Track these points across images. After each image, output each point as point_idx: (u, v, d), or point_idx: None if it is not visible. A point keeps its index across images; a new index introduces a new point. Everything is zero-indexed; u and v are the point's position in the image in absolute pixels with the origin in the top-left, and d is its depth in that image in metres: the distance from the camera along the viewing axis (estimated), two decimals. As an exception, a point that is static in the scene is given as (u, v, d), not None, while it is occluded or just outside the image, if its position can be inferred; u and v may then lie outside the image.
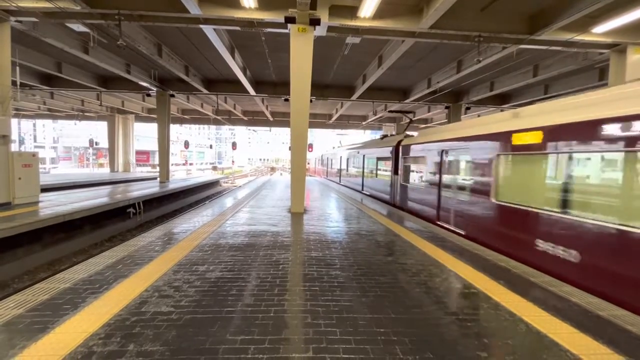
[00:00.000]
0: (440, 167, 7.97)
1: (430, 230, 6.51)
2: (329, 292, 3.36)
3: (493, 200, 5.79)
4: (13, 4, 7.67)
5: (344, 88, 18.56)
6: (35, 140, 59.25)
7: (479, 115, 24.17)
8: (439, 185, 7.98)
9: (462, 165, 7.03)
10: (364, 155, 15.73)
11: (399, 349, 2.36)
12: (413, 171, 9.85)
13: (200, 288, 3.39)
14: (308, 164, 37.67)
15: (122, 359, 2.17)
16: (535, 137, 4.96)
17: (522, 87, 16.06)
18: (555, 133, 4.63)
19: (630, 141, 3.59)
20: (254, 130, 36.66)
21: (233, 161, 69.19)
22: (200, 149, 77.94)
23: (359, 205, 9.96)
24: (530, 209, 4.95)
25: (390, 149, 11.75)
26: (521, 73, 14.23)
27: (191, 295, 3.20)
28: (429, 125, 29.91)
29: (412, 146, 9.97)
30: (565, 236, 4.30)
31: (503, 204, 5.54)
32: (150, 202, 13.07)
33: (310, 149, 38.79)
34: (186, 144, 33.97)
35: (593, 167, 4.12)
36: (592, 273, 3.90)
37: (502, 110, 18.11)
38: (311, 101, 11.15)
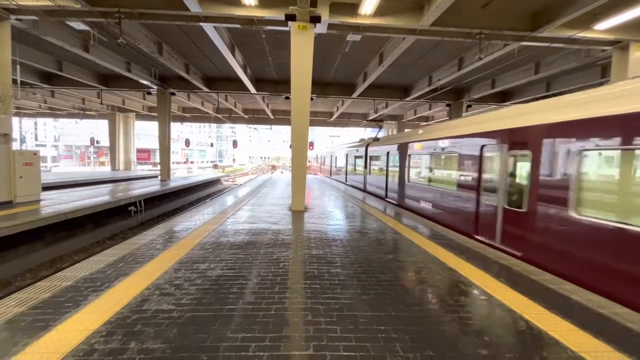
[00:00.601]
0: (387, 163, 12.27)
1: (431, 229, 6.51)
2: (330, 290, 3.37)
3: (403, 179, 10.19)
4: (13, 3, 7.66)
5: (345, 86, 18.51)
6: (36, 139, 59.40)
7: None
8: (387, 174, 12.26)
9: (397, 161, 11.22)
10: (347, 154, 19.85)
11: (399, 347, 2.37)
12: (374, 166, 14.37)
13: (201, 286, 3.40)
14: (309, 162, 37.80)
15: (124, 357, 2.18)
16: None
17: (523, 84, 15.99)
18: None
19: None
20: (254, 128, 36.70)
21: (234, 159, 69.19)
22: (201, 147, 78.02)
23: (359, 204, 9.96)
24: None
25: (364, 149, 15.75)
26: (523, 70, 14.17)
27: (192, 293, 3.21)
28: (429, 123, 29.85)
29: (370, 148, 14.74)
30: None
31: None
32: (152, 200, 13.09)
33: (311, 147, 38.76)
34: (187, 142, 33.94)
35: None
36: None
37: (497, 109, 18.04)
38: (312, 99, 11.09)
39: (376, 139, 15.17)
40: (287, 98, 16.43)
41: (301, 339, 2.45)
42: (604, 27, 8.62)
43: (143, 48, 10.88)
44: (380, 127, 19.08)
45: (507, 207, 5.60)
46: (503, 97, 19.46)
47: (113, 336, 2.42)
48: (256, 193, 12.50)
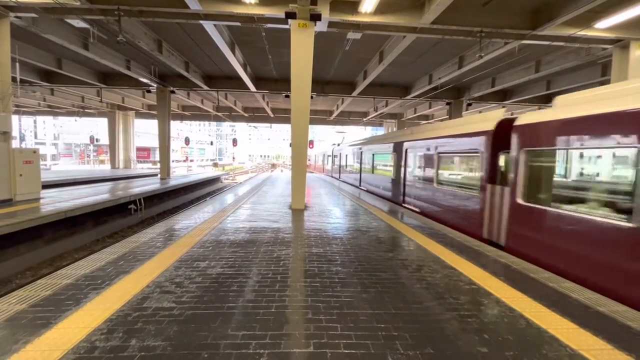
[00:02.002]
0: (356, 161, 16.98)
1: (432, 227, 6.52)
2: (330, 288, 3.37)
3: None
4: (12, 0, 7.64)
5: (345, 84, 18.49)
6: (35, 137, 59.34)
7: (480, 111, 24.12)
8: (359, 169, 16.19)
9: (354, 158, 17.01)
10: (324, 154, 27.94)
11: (399, 345, 2.38)
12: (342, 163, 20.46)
13: (201, 284, 3.41)
14: (309, 160, 37.87)
15: (125, 354, 2.19)
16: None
17: (524, 82, 15.97)
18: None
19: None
20: (254, 126, 36.61)
21: (234, 158, 69.16)
22: (201, 146, 77.94)
23: (359, 202, 9.96)
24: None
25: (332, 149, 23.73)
26: (523, 69, 14.15)
27: (192, 291, 3.21)
28: (429, 121, 29.83)
29: (335, 148, 22.38)
30: None
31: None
32: (151, 198, 13.09)
33: (311, 146, 38.78)
34: (187, 141, 33.91)
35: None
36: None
37: (500, 107, 18.02)
38: (312, 97, 11.11)
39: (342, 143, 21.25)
40: (287, 96, 16.41)
41: (301, 337, 2.45)
42: (604, 25, 8.60)
43: (143, 46, 10.86)
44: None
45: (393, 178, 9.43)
46: (503, 96, 19.44)
47: (114, 334, 2.42)
48: (256, 191, 12.50)
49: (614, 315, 2.87)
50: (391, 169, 11.39)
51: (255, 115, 29.57)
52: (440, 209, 7.71)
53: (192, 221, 6.62)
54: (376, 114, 26.21)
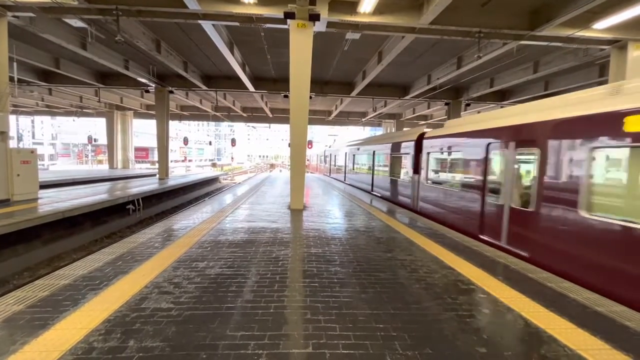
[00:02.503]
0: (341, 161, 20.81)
1: (430, 227, 6.53)
2: (329, 288, 3.37)
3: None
4: (10, -1, 7.61)
5: (344, 84, 18.49)
6: (33, 137, 59.08)
7: (478, 112, 24.16)
8: (344, 168, 19.54)
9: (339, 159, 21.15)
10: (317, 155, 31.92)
11: (398, 345, 2.38)
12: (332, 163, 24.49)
13: (200, 284, 3.40)
14: (308, 160, 38.15)
15: (123, 355, 2.18)
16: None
17: (522, 83, 16.02)
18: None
19: None
20: (253, 126, 36.58)
21: (232, 158, 69.07)
22: (199, 146, 77.81)
23: (358, 202, 9.97)
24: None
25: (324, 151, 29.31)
26: (522, 69, 14.19)
27: (191, 292, 3.21)
28: (428, 121, 29.88)
29: (327, 150, 28.05)
30: None
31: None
32: (150, 198, 13.06)
33: (309, 146, 38.79)
34: (185, 141, 33.85)
35: None
36: None
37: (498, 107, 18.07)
38: (311, 97, 11.11)
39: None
40: (286, 96, 16.39)
41: (300, 337, 2.45)
42: (602, 26, 8.63)
43: (141, 46, 10.83)
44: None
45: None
46: (502, 96, 19.49)
47: (112, 334, 2.41)
48: (255, 191, 12.49)
49: (612, 315, 2.88)
50: (364, 166, 15.79)
51: (253, 115, 29.55)
52: (390, 192, 12.00)
53: (191, 221, 6.61)
54: (375, 114, 26.23)
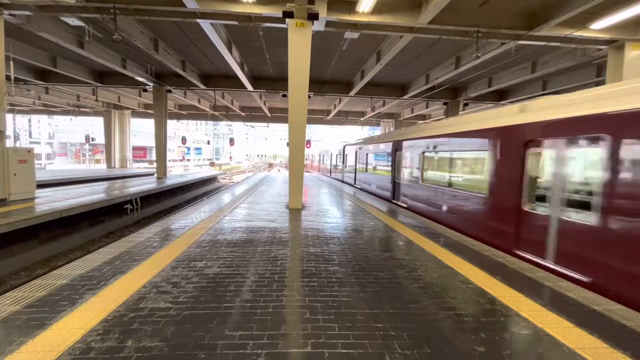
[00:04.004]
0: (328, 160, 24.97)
1: (428, 227, 6.54)
2: (328, 288, 3.37)
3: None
4: (6, -3, 7.55)
5: (342, 84, 18.49)
6: (30, 136, 58.78)
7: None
8: (329, 167, 24.47)
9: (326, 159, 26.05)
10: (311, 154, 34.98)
11: (397, 344, 2.38)
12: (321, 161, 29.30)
13: (198, 284, 3.39)
14: (307, 160, 38.33)
15: (121, 355, 2.17)
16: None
17: (520, 83, 16.07)
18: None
19: None
20: (251, 126, 36.53)
21: (231, 157, 68.98)
22: (197, 145, 77.62)
23: (356, 201, 9.97)
24: None
25: (319, 152, 32.09)
26: (519, 69, 14.23)
27: (189, 291, 3.20)
28: (427, 121, 29.92)
29: (320, 151, 31.25)
30: None
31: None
32: (148, 198, 13.02)
33: (308, 145, 38.85)
34: (183, 140, 33.77)
35: None
36: None
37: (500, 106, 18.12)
38: (309, 97, 11.10)
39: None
40: (285, 96, 16.38)
41: (299, 337, 2.45)
42: (599, 26, 8.66)
43: (139, 45, 10.78)
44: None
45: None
46: (500, 96, 19.55)
47: (110, 334, 2.40)
48: (253, 191, 12.47)
49: (609, 314, 2.89)
50: (345, 164, 19.18)
51: (252, 114, 29.50)
52: (372, 184, 13.32)
53: (189, 221, 6.59)
54: (373, 113, 26.24)
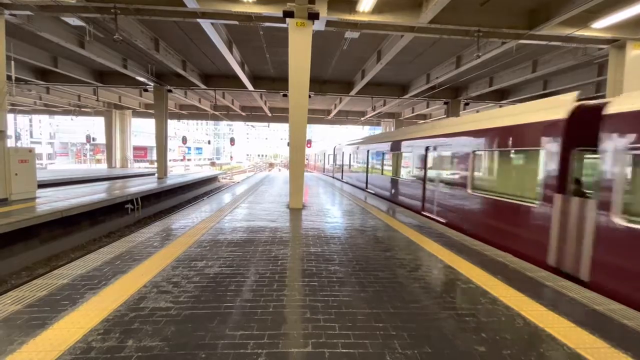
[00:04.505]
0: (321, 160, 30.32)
1: (429, 226, 6.53)
2: (328, 288, 3.37)
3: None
4: (7, -3, 7.56)
5: (343, 83, 18.48)
6: (31, 136, 58.83)
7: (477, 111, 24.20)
8: (323, 165, 28.87)
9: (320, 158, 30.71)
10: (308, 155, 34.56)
11: (397, 344, 2.38)
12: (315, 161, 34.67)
13: (199, 284, 3.39)
14: (307, 159, 38.53)
15: (121, 355, 2.17)
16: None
17: (521, 82, 16.04)
18: None
19: None
20: (252, 126, 36.56)
21: (231, 157, 69.01)
22: (198, 145, 77.66)
23: (357, 201, 9.97)
24: None
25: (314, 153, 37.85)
26: (520, 68, 14.20)
27: (190, 291, 3.20)
28: (427, 121, 29.88)
29: (315, 152, 37.41)
30: None
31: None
32: (149, 198, 13.04)
33: (309, 145, 38.86)
34: (184, 140, 33.79)
35: None
36: None
37: (499, 106, 18.09)
38: (310, 96, 11.12)
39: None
40: (285, 96, 16.38)
41: (299, 337, 2.45)
42: (601, 25, 8.64)
43: (139, 44, 10.79)
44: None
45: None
46: (501, 95, 19.51)
47: (110, 334, 2.41)
48: (254, 191, 12.47)
49: (610, 313, 2.88)
50: (336, 163, 21.74)
51: (252, 114, 29.49)
52: (359, 180, 15.31)
53: (190, 221, 6.60)
54: (374, 113, 26.23)
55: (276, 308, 2.89)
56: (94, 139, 40.10)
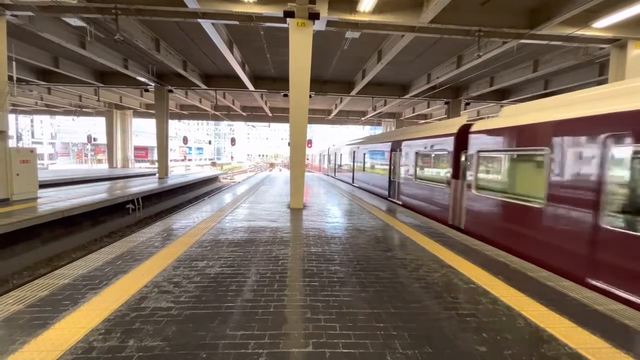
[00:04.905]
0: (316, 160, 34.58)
1: (430, 226, 6.53)
2: (329, 288, 3.37)
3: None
4: (8, -2, 7.58)
5: (344, 83, 18.48)
6: (33, 136, 58.94)
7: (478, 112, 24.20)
8: (320, 165, 31.51)
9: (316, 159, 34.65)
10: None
11: (398, 344, 2.38)
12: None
13: (199, 284, 3.40)
14: (308, 160, 38.78)
15: (123, 354, 2.18)
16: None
17: (522, 82, 16.00)
18: None
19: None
20: (252, 126, 36.58)
21: (232, 157, 69.08)
22: (199, 145, 77.76)
23: (357, 201, 9.97)
24: None
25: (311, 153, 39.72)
26: (521, 68, 14.17)
27: (191, 291, 3.20)
28: (428, 121, 29.86)
29: (313, 153, 40.35)
30: None
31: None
32: (149, 198, 13.05)
33: (309, 145, 38.94)
34: (185, 140, 33.84)
35: None
36: None
37: (501, 106, 18.07)
38: (310, 97, 11.15)
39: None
40: (286, 95, 16.38)
41: (300, 337, 2.45)
42: (602, 25, 8.62)
43: (140, 45, 10.81)
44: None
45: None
46: (502, 95, 19.48)
47: (112, 334, 2.41)
48: (254, 191, 12.48)
49: (611, 314, 2.88)
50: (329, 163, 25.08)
51: (253, 114, 29.51)
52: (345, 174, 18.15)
53: (191, 221, 6.60)
54: (375, 113, 26.21)
55: (277, 308, 2.89)
56: (95, 139, 40.15)
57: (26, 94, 20.81)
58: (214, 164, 51.82)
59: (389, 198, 11.26)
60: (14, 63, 9.72)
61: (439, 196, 7.86)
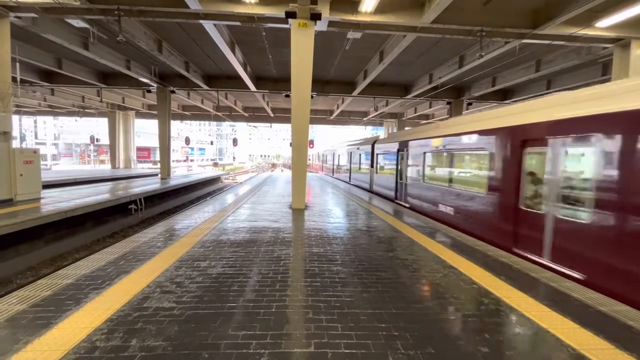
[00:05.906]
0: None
1: (432, 227, 6.51)
2: (331, 288, 3.37)
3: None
4: (12, 0, 7.63)
5: (345, 84, 18.47)
6: (36, 137, 59.32)
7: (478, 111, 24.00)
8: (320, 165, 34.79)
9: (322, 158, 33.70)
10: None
11: (400, 344, 2.37)
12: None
13: (202, 284, 3.40)
14: (309, 160, 38.92)
15: (125, 354, 2.19)
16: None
17: (524, 82, 15.95)
18: None
19: None
20: (254, 126, 36.62)
21: (234, 157, 69.20)
22: (201, 146, 77.96)
23: (359, 202, 9.96)
24: None
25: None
26: (523, 68, 14.12)
27: (193, 291, 3.21)
28: (430, 121, 29.79)
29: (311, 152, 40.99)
30: None
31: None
32: (152, 198, 13.09)
33: (311, 145, 38.98)
34: (187, 141, 33.94)
35: None
36: None
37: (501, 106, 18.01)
38: (312, 97, 11.14)
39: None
40: (288, 96, 16.38)
41: (302, 337, 2.45)
42: (605, 24, 8.58)
43: (143, 46, 10.85)
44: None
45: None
46: (504, 95, 19.41)
47: (114, 334, 2.42)
48: (256, 191, 12.50)
49: (615, 314, 2.86)
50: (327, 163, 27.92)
51: (255, 115, 29.54)
52: (342, 174, 20.70)
53: (193, 221, 6.62)
54: (376, 113, 26.18)
55: (279, 308, 2.89)
56: (97, 140, 40.35)
57: (29, 95, 20.93)
58: (215, 165, 51.89)
59: (371, 190, 14.73)
60: (17, 64, 9.80)
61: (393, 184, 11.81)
